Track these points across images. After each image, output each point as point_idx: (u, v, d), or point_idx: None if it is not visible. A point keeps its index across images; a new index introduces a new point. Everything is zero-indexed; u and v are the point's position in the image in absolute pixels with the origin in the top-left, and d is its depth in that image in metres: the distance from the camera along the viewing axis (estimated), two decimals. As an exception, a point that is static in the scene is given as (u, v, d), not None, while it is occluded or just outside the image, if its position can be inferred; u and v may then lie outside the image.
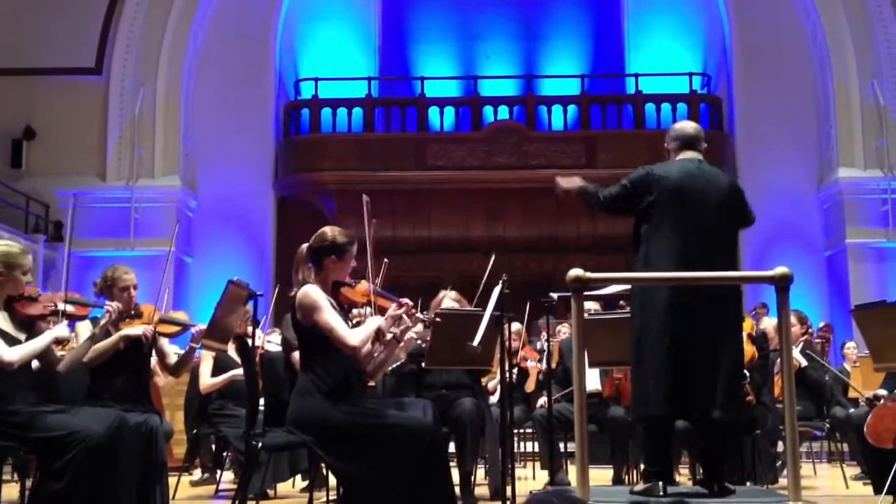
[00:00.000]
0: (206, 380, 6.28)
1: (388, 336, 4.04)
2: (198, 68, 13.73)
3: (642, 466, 4.27)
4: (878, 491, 4.60)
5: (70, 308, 4.25)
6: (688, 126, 4.44)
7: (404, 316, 4.07)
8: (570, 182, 4.44)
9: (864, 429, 4.64)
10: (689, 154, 4.29)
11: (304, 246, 4.08)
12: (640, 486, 4.06)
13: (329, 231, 4.04)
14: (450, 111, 14.04)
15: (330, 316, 3.81)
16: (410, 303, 4.14)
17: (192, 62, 13.62)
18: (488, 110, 14.04)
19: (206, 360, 6.29)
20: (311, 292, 3.86)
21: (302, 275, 4.01)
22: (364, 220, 4.23)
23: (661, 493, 3.86)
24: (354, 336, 3.82)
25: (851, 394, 7.62)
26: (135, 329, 4.49)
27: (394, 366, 5.68)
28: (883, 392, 4.98)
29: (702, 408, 3.95)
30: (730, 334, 4.04)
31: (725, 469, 4.15)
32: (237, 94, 13.55)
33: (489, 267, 4.79)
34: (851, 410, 6.66)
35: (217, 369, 6.26)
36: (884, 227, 12.67)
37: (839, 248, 12.95)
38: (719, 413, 3.94)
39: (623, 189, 4.22)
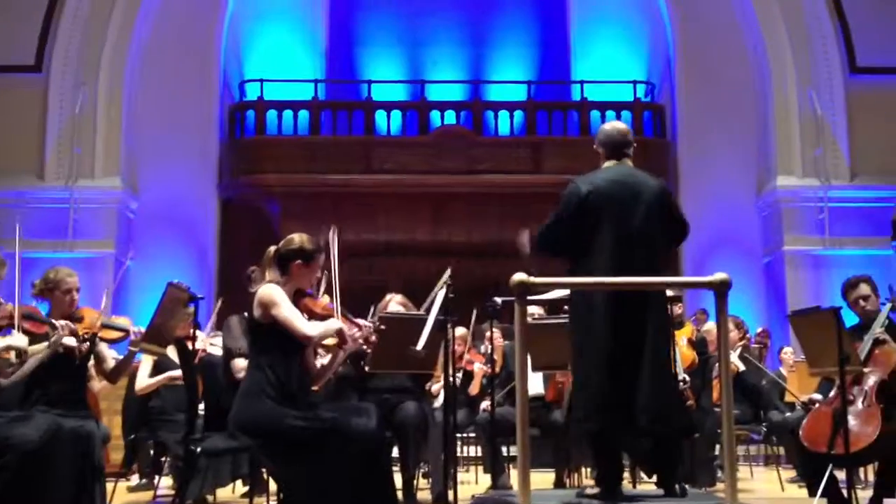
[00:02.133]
0: (143, 381, 6.16)
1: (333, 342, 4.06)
2: (141, 68, 13.50)
3: (591, 470, 4.31)
4: (812, 494, 4.69)
5: (26, 325, 4.20)
6: (616, 130, 4.47)
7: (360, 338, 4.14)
8: (523, 239, 4.46)
9: (800, 432, 4.72)
10: (618, 158, 4.32)
11: (272, 248, 4.12)
12: (591, 490, 4.08)
13: (297, 237, 4.09)
14: (397, 115, 14.03)
15: (289, 310, 3.85)
16: (369, 324, 4.20)
17: (134, 61, 13.38)
18: (435, 115, 14.06)
19: (146, 363, 6.17)
20: (273, 289, 3.90)
21: (269, 276, 4.03)
22: (330, 248, 4.28)
23: (614, 498, 3.90)
24: (312, 327, 3.86)
25: (788, 398, 7.76)
26: (69, 339, 4.40)
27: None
28: (818, 396, 5.08)
29: (647, 416, 3.97)
30: (662, 341, 4.07)
31: (677, 471, 4.21)
32: (181, 94, 13.35)
33: (446, 278, 4.76)
34: (787, 414, 6.78)
35: (157, 372, 6.15)
36: (820, 234, 12.95)
37: (777, 254, 13.22)
38: (662, 418, 3.97)
39: (557, 216, 4.23)
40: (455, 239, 13.42)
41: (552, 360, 5.40)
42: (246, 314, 4.10)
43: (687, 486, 4.11)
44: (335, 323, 4.00)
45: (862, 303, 4.99)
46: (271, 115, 13.86)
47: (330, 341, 4.49)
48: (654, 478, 4.29)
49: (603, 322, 3.98)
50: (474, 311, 7.25)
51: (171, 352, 5.71)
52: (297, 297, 4.03)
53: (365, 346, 4.34)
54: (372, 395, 5.55)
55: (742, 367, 6.90)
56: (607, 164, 4.33)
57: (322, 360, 4.17)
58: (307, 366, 4.05)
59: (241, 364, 4.51)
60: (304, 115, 13.86)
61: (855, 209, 13.08)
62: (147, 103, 13.37)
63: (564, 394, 6.22)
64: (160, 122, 13.28)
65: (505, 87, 14.40)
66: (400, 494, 5.08)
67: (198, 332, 5.43)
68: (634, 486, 5.32)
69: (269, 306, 3.85)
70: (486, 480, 6.72)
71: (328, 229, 4.26)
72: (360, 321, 4.23)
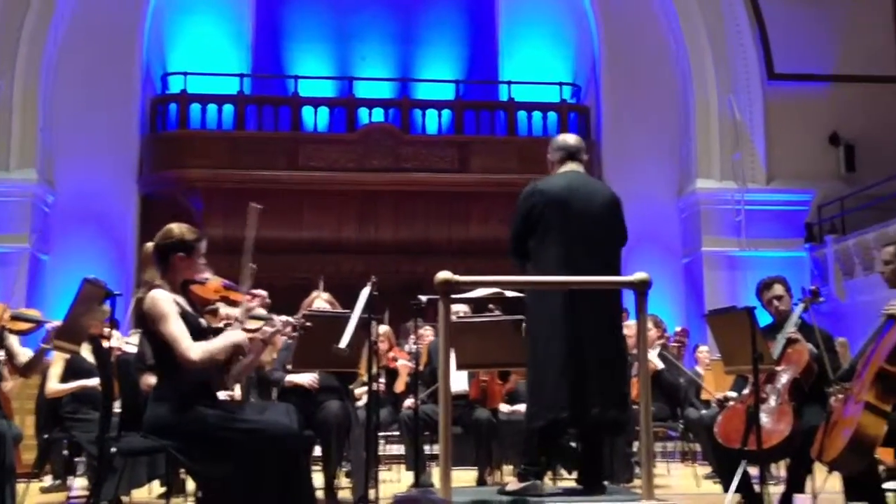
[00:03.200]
0: (54, 384, 5.93)
1: (250, 330, 3.94)
2: (59, 59, 13.14)
3: (513, 466, 4.34)
4: (726, 489, 4.79)
5: None
6: (570, 138, 4.55)
7: (262, 312, 4.00)
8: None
9: (715, 429, 4.82)
10: (571, 166, 4.39)
11: (150, 244, 3.88)
12: (515, 486, 4.11)
13: (176, 227, 3.84)
14: (324, 111, 13.93)
15: (174, 326, 3.62)
16: (263, 293, 4.05)
17: (52, 52, 13.02)
18: (363, 112, 14.00)
19: (58, 362, 5.97)
20: (159, 300, 3.65)
21: (148, 275, 3.80)
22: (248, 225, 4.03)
23: (541, 492, 3.94)
24: (195, 350, 3.61)
25: (704, 395, 7.93)
26: None
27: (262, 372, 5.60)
28: (732, 394, 5.19)
29: (598, 410, 4.03)
30: (616, 338, 4.16)
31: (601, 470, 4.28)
32: (101, 86, 13.03)
33: (372, 286, 4.69)
34: (704, 412, 6.92)
35: (70, 372, 5.98)
36: (737, 236, 13.31)
37: (696, 255, 13.53)
38: (614, 414, 4.05)
39: (517, 225, 4.29)
40: (381, 237, 13.40)
41: (476, 359, 5.41)
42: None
43: (605, 483, 4.18)
44: (233, 336, 3.72)
45: (776, 303, 5.12)
46: (195, 109, 13.63)
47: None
48: (575, 474, 4.34)
49: (559, 323, 4.04)
50: (399, 308, 7.22)
51: (85, 350, 5.56)
52: (186, 287, 3.87)
53: (280, 329, 4.19)
54: (294, 393, 5.51)
55: (661, 366, 7.02)
56: (562, 169, 4.39)
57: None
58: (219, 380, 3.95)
59: (151, 381, 4.34)
60: (228, 109, 13.66)
61: (770, 212, 13.49)
62: (66, 95, 13.02)
63: (488, 392, 6.26)
64: (79, 115, 12.94)
65: (433, 86, 14.42)
66: (321, 494, 5.05)
67: (114, 332, 5.30)
68: (554, 483, 5.38)
69: (154, 321, 3.63)
70: (407, 479, 6.72)
71: (251, 211, 3.97)
72: (256, 290, 4.03)
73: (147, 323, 3.70)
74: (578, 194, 4.23)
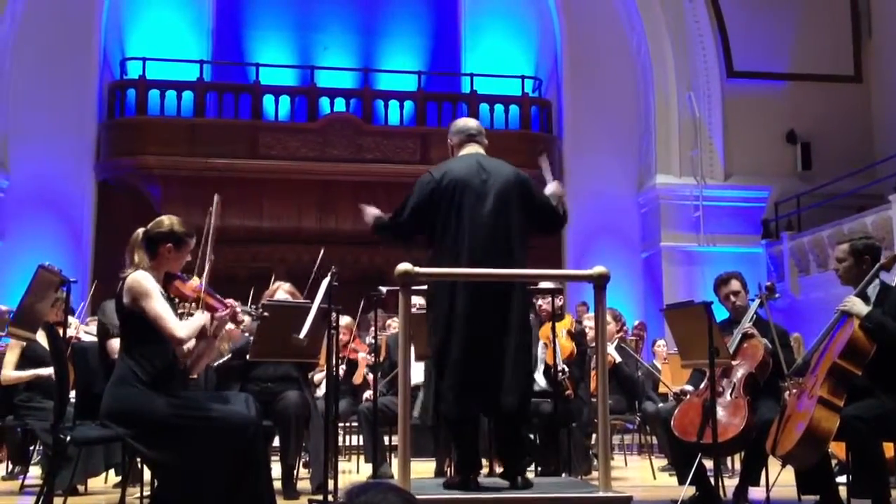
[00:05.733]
0: (10, 372, 5.89)
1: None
2: (16, 42, 12.88)
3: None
4: (682, 482, 4.85)
5: None
6: (469, 122, 4.48)
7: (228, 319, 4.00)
8: (368, 214, 4.38)
9: (671, 422, 4.87)
10: (471, 148, 4.33)
11: (140, 230, 3.92)
12: (452, 479, 4.10)
13: (167, 219, 3.90)
14: (285, 100, 13.82)
15: (160, 304, 3.70)
16: (237, 305, 4.06)
17: (7, 35, 12.76)
18: (324, 101, 13.92)
19: (13, 349, 5.90)
20: (144, 278, 3.73)
21: (137, 258, 3.85)
22: (210, 217, 4.06)
23: (472, 486, 3.92)
24: (182, 328, 3.71)
25: (661, 389, 8.03)
26: None
27: (218, 362, 5.55)
28: (689, 388, 5.24)
29: (497, 402, 3.99)
30: (518, 328, 4.06)
31: (525, 461, 4.21)
32: (58, 70, 12.81)
33: (318, 260, 4.71)
34: (660, 405, 7.01)
35: (26, 359, 5.90)
36: (695, 232, 13.47)
37: (655, 250, 13.67)
38: (514, 405, 4.00)
39: (410, 205, 4.16)
40: (341, 227, 13.33)
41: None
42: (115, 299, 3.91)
43: (531, 479, 4.13)
44: (201, 318, 3.82)
45: (732, 298, 5.18)
46: (154, 95, 13.44)
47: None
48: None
49: (463, 312, 3.98)
50: (359, 299, 7.21)
51: (41, 337, 5.48)
52: (167, 281, 3.88)
53: (234, 326, 4.20)
54: (254, 383, 5.48)
55: (618, 358, 7.08)
56: (461, 153, 4.32)
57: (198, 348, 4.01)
58: (181, 355, 3.93)
59: (116, 345, 4.34)
60: (188, 96, 13.50)
61: (728, 208, 13.67)
62: (20, 79, 12.77)
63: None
64: (36, 99, 12.72)
65: (395, 77, 14.38)
66: (279, 484, 5.03)
67: (70, 318, 5.23)
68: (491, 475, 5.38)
69: (138, 297, 3.69)
70: (367, 469, 6.72)
71: (210, 211, 4.04)
72: (228, 301, 4.07)
73: (130, 299, 3.71)
74: (479, 175, 4.11)
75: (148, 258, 3.85)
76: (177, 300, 3.93)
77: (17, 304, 4.45)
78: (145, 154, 12.94)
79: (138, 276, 3.75)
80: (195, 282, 3.95)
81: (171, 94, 13.44)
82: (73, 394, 4.65)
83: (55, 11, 12.94)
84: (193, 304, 4.01)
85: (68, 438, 4.17)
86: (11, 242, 12.37)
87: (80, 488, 5.54)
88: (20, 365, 5.92)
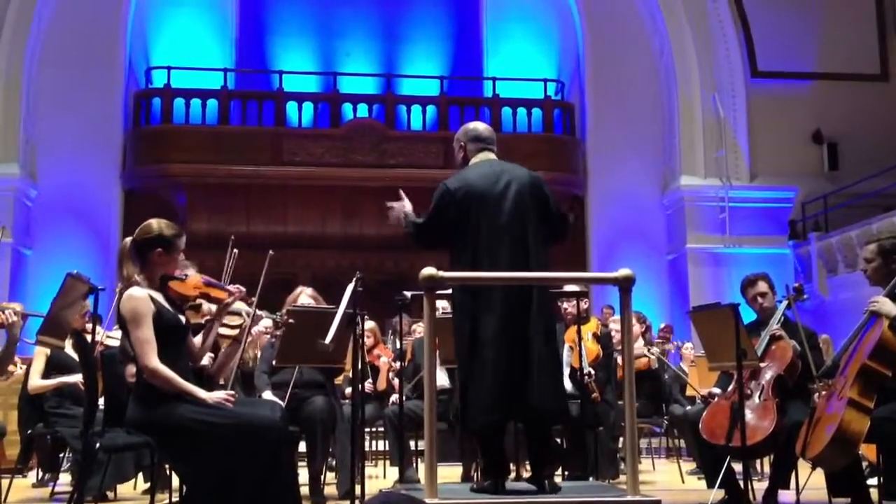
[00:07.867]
0: (36, 381, 5.91)
1: (225, 332, 3.94)
2: (42, 52, 13.05)
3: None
4: (710, 485, 4.81)
5: None
6: (480, 126, 4.48)
7: (243, 308, 3.98)
8: (397, 210, 4.39)
9: (699, 425, 4.84)
10: (485, 155, 4.33)
11: (128, 239, 3.85)
12: (481, 483, 4.10)
13: (155, 223, 3.83)
14: (308, 107, 13.88)
15: (142, 332, 3.63)
16: (242, 289, 4.03)
17: (35, 45, 12.93)
18: (347, 107, 13.97)
19: (39, 357, 5.94)
20: (133, 300, 3.66)
21: (126, 271, 3.78)
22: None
23: (500, 490, 3.92)
24: (156, 361, 3.62)
25: (689, 392, 7.97)
26: None
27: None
28: (717, 390, 5.20)
29: (529, 408, 3.98)
30: (546, 333, 4.07)
31: (554, 466, 4.20)
32: (84, 80, 12.95)
33: (357, 281, 4.68)
34: (688, 408, 6.96)
35: (52, 367, 5.95)
36: (721, 233, 13.38)
37: (680, 252, 13.58)
38: (552, 409, 3.99)
39: (429, 216, 4.19)
40: (366, 232, 13.36)
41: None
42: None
43: (558, 483, 4.12)
44: (201, 393, 3.67)
45: (760, 300, 5.15)
46: (178, 103, 13.55)
47: (228, 332, 4.39)
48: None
49: (491, 318, 3.97)
50: (384, 304, 7.21)
51: (67, 345, 5.53)
52: (164, 283, 3.84)
53: (248, 322, 4.18)
54: (280, 389, 5.50)
55: (656, 364, 7.05)
56: (474, 160, 4.32)
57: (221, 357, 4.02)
58: (195, 359, 3.93)
59: (133, 370, 4.35)
60: (212, 104, 13.59)
61: (754, 209, 13.57)
62: (48, 89, 12.94)
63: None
64: (62, 109, 12.86)
65: (417, 82, 14.40)
66: (307, 490, 5.04)
67: (98, 327, 5.26)
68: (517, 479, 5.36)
69: (128, 323, 3.65)
70: (393, 474, 6.71)
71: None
72: (232, 287, 4.04)
73: (124, 320, 3.70)
74: (494, 181, 4.12)
75: (139, 266, 3.79)
76: (179, 301, 3.88)
77: (45, 312, 4.48)
78: (171, 162, 13.04)
79: (129, 296, 3.68)
80: (195, 278, 3.92)
81: (195, 103, 13.54)
82: (101, 401, 4.68)
83: (81, 23, 13.09)
84: (202, 301, 3.99)
85: (98, 445, 4.20)
86: (40, 251, 12.51)
87: (110, 495, 5.59)
88: (46, 373, 5.96)
